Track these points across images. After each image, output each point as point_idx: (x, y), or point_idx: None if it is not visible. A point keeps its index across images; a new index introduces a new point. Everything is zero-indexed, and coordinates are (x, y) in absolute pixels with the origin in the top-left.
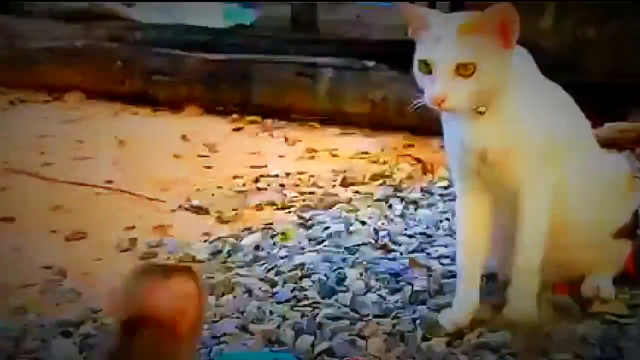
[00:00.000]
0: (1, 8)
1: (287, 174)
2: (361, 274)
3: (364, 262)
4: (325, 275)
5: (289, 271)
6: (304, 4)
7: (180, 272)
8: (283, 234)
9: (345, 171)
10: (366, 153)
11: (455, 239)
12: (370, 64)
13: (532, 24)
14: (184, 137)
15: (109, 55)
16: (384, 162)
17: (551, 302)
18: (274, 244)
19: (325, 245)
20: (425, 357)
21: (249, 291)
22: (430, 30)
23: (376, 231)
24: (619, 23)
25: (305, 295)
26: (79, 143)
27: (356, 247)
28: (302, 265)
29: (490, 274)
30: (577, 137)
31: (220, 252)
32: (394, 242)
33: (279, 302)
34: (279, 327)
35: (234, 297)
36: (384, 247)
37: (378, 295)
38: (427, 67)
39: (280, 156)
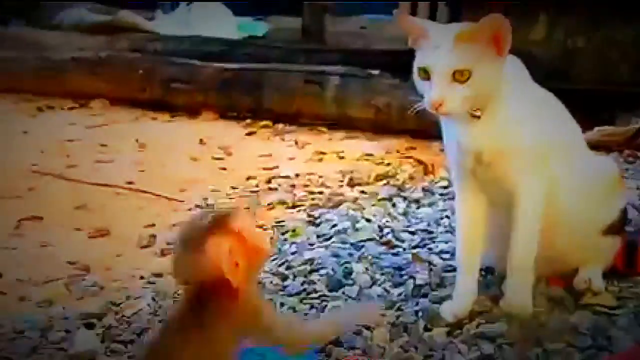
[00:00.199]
0: (31, 22)
1: (297, 175)
2: (367, 269)
3: (369, 257)
4: (332, 269)
5: (299, 266)
6: (313, 17)
7: (216, 232)
8: (293, 231)
9: (351, 172)
10: (371, 155)
11: (454, 235)
12: (374, 72)
13: (525, 34)
14: (200, 140)
15: (130, 65)
16: (388, 164)
17: (546, 294)
18: (285, 240)
19: (332, 242)
20: (427, 347)
21: (261, 284)
22: (428, 39)
23: (380, 228)
24: (607, 33)
25: (314, 288)
26: (102, 147)
27: (362, 243)
28: (311, 260)
29: (488, 268)
30: (568, 140)
31: None
32: (397, 239)
33: (289, 295)
34: None
35: None
36: (388, 243)
37: (382, 288)
38: (425, 74)
39: (290, 158)
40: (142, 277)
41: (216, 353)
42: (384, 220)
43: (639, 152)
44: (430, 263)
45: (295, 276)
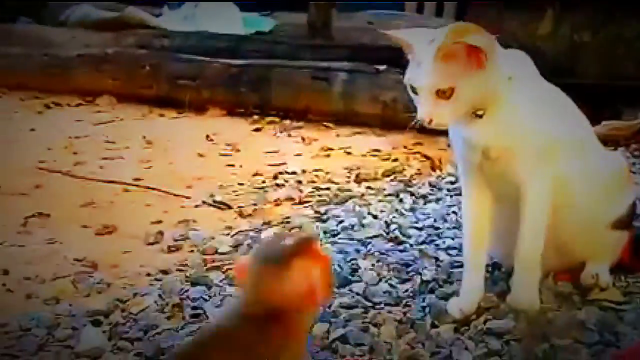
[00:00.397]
0: (37, 19)
1: (304, 171)
2: (373, 265)
3: (376, 254)
4: (339, 266)
5: None
6: (319, 12)
7: (301, 257)
8: (300, 227)
9: (358, 168)
10: (378, 151)
11: (462, 231)
12: (381, 67)
13: (531, 29)
14: (207, 137)
15: (137, 61)
16: (395, 160)
17: (553, 289)
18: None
19: (339, 238)
20: (434, 343)
21: None
22: (413, 55)
23: (387, 224)
24: (613, 28)
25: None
26: (109, 143)
27: (369, 240)
28: None
29: (495, 264)
30: (577, 135)
31: (241, 245)
32: (404, 235)
33: None
34: None
35: None
36: (395, 239)
37: (389, 284)
38: (413, 90)
39: (297, 154)
40: (149, 274)
41: None
42: (390, 216)
43: None
44: (437, 259)
45: None
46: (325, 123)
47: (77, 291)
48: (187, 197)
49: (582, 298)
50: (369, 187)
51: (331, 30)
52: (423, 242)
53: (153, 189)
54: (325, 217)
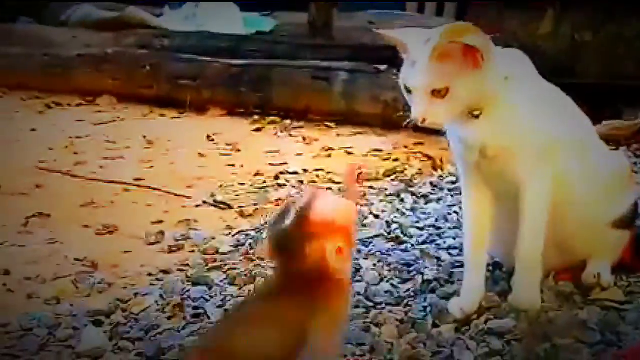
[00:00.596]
0: (37, 19)
1: (305, 171)
2: (375, 265)
3: (378, 254)
4: None
5: None
6: (320, 12)
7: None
8: None
9: (359, 168)
10: (379, 151)
11: (462, 230)
12: (382, 67)
13: (532, 29)
14: (208, 137)
15: (138, 61)
16: (396, 159)
17: (554, 289)
18: None
19: None
20: (435, 343)
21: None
22: (408, 55)
23: (389, 224)
24: (613, 28)
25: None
26: (110, 143)
27: (370, 240)
28: None
29: (496, 264)
30: (577, 134)
31: (242, 244)
32: (406, 234)
33: None
34: None
35: (255, 287)
36: (396, 239)
37: (391, 284)
38: (407, 89)
39: (298, 154)
40: (149, 274)
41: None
42: (392, 216)
43: None
44: (438, 259)
45: None
46: (326, 123)
47: (78, 291)
48: (188, 197)
49: (584, 298)
50: (370, 187)
51: (332, 30)
52: (424, 242)
53: (154, 188)
54: None
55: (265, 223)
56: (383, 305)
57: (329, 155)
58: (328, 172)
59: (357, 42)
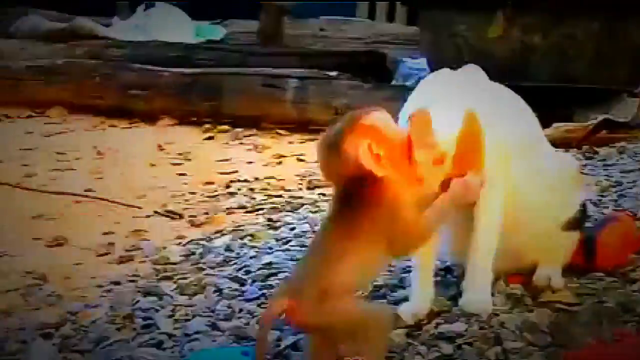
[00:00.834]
0: None
1: (256, 179)
2: None
3: None
4: (291, 273)
5: (257, 270)
6: (270, 20)
7: (351, 131)
8: (252, 235)
9: (310, 175)
10: None
11: None
12: (333, 74)
13: (482, 33)
14: (159, 146)
15: (88, 72)
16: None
17: (504, 292)
18: (244, 245)
19: (291, 245)
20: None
21: (219, 290)
22: None
23: None
24: (563, 30)
25: (272, 293)
26: (60, 155)
27: None
28: (269, 264)
29: (447, 267)
30: (529, 137)
31: (193, 254)
32: None
33: (247, 300)
34: (247, 323)
35: (205, 296)
36: None
37: None
38: None
39: (249, 162)
40: (100, 286)
41: (361, 246)
42: None
43: (597, 148)
44: (389, 264)
45: (253, 281)
46: (277, 131)
47: (28, 304)
48: (139, 208)
49: (534, 300)
50: (321, 194)
51: (283, 38)
52: None
53: (104, 199)
54: (277, 224)
55: (217, 232)
56: None
57: (280, 163)
58: (279, 180)
59: (308, 49)
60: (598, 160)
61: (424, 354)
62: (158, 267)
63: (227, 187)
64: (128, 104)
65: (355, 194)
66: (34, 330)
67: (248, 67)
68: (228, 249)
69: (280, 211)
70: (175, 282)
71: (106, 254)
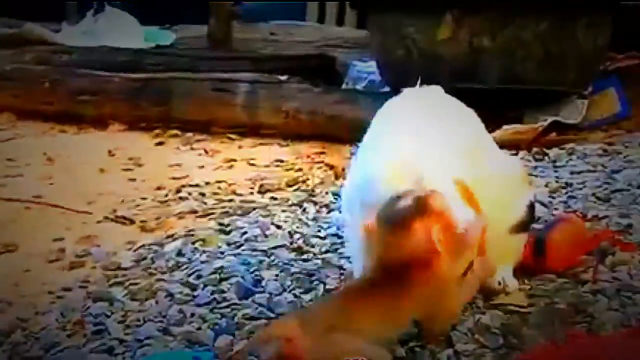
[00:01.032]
0: None
1: (207, 183)
2: (277, 275)
3: (280, 264)
4: (242, 277)
5: (209, 275)
6: (220, 24)
7: (422, 214)
8: (203, 240)
9: (262, 179)
10: (281, 161)
11: None
12: (283, 77)
13: (431, 35)
14: (109, 152)
15: (37, 77)
16: (299, 169)
17: None
18: (196, 250)
19: (243, 249)
20: None
21: (171, 295)
22: None
23: (291, 234)
24: (512, 31)
25: (224, 297)
26: (9, 161)
27: (272, 250)
28: (221, 268)
29: None
30: (473, 143)
31: (144, 259)
32: (308, 244)
33: (199, 305)
34: (199, 328)
35: (157, 301)
36: (298, 249)
37: (293, 294)
38: None
39: (200, 167)
40: (50, 292)
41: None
42: (294, 226)
43: (546, 150)
44: (340, 267)
45: (205, 285)
46: (228, 135)
47: None
48: (89, 213)
49: (486, 302)
50: (272, 198)
51: (232, 42)
52: (327, 251)
53: (54, 205)
54: (228, 228)
55: (169, 237)
56: None
57: (231, 167)
58: (230, 184)
59: (258, 53)
60: (548, 162)
61: None
62: (109, 272)
63: (178, 191)
64: (77, 110)
65: (401, 270)
66: None
67: (198, 71)
68: (179, 253)
69: (232, 215)
70: (126, 288)
71: (56, 260)
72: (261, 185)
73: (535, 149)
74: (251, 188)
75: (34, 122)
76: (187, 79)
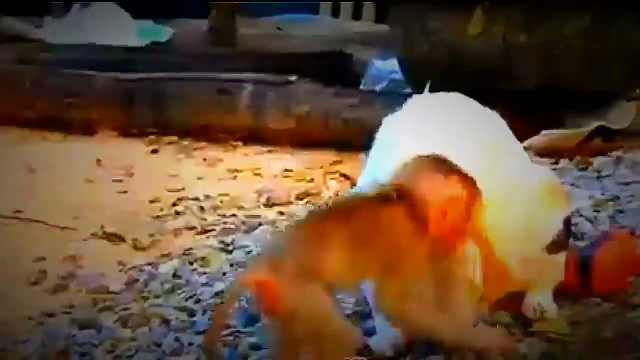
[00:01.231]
0: None
1: (207, 197)
2: None
3: None
4: (246, 302)
5: (209, 299)
6: (221, 18)
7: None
8: (203, 259)
9: (269, 191)
10: (291, 171)
11: None
12: (292, 77)
13: (460, 30)
14: (97, 161)
15: (16, 77)
16: (310, 180)
17: (489, 320)
18: (194, 270)
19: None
20: None
21: (166, 322)
22: None
23: None
24: (551, 26)
25: (226, 324)
26: None
27: None
28: (222, 292)
29: None
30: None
31: (136, 281)
32: None
33: (198, 333)
34: (198, 359)
35: (150, 329)
36: None
37: None
38: None
39: (199, 178)
40: (31, 318)
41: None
42: None
43: (591, 158)
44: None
45: (205, 311)
46: (231, 142)
47: None
48: (75, 230)
49: (523, 329)
50: (280, 213)
51: (235, 38)
52: None
53: (36, 221)
54: (231, 247)
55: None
56: None
57: (235, 178)
58: (233, 197)
59: (265, 50)
60: (592, 172)
61: None
62: (96, 296)
63: (175, 205)
64: (62, 114)
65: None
66: None
67: (197, 71)
68: (176, 275)
69: (235, 232)
70: (116, 313)
71: (38, 282)
72: (268, 199)
73: (577, 158)
74: (257, 201)
75: (13, 128)
76: (184, 79)
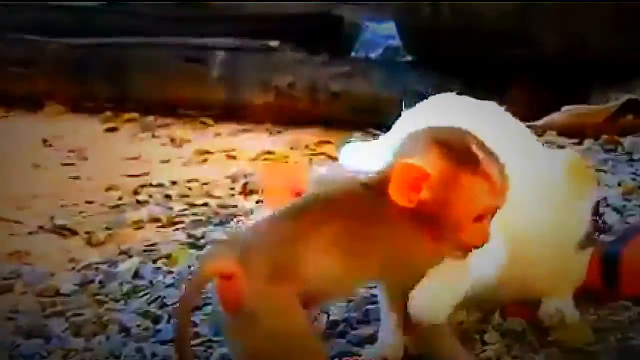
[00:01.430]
0: None
1: (174, 183)
2: None
3: None
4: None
5: (176, 303)
6: None
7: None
8: (168, 256)
9: (245, 177)
10: (271, 153)
11: None
12: (273, 43)
13: None
14: (44, 141)
15: None
16: (294, 164)
17: (501, 327)
18: (158, 269)
19: None
20: None
21: (126, 330)
22: None
23: None
24: None
25: (196, 332)
26: None
27: None
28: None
29: None
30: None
31: (90, 282)
32: None
33: (162, 342)
34: None
35: (107, 337)
36: None
37: None
38: None
39: (164, 161)
40: None
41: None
42: None
43: (620, 138)
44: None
45: (170, 317)
46: (201, 119)
47: None
48: (19, 222)
49: (540, 338)
50: (258, 202)
51: None
52: None
53: None
54: (202, 241)
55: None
56: None
57: (205, 161)
58: (204, 184)
59: (240, 11)
60: (621, 154)
61: None
62: (44, 299)
63: (136, 193)
64: (4, 86)
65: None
66: None
67: (161, 35)
68: (137, 275)
69: (206, 224)
70: (67, 320)
71: None
72: (244, 185)
73: (605, 137)
74: (231, 189)
75: None
76: (147, 45)
